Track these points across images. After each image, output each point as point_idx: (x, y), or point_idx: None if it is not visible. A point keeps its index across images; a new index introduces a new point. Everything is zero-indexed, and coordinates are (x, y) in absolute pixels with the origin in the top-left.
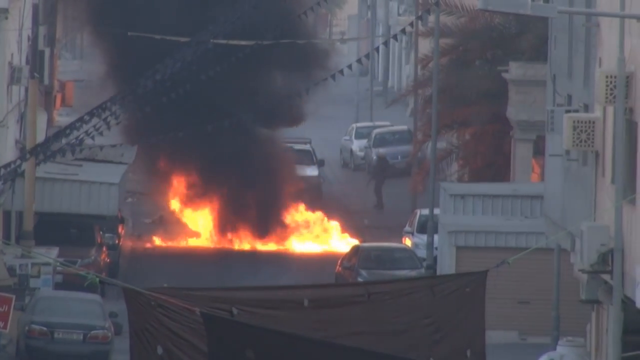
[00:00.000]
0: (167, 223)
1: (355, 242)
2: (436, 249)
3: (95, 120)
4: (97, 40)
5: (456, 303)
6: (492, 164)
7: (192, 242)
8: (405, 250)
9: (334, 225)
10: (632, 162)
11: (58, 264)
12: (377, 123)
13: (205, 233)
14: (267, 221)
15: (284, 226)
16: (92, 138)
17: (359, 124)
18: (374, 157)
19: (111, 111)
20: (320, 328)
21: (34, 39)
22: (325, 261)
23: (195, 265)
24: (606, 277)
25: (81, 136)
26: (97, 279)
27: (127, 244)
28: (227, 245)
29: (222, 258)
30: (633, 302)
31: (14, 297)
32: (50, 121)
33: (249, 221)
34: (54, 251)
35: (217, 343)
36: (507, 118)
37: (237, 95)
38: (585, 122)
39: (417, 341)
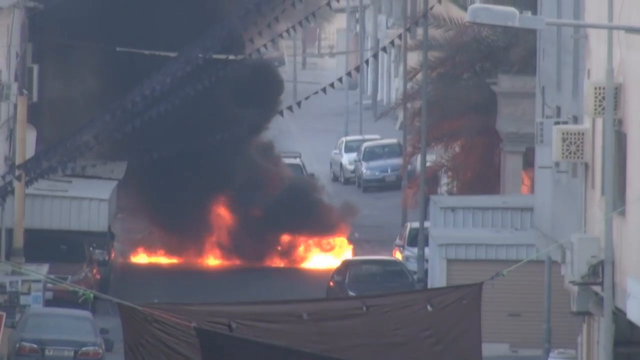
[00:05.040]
0: (158, 239)
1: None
2: (427, 261)
3: (83, 137)
4: (82, 56)
5: (454, 315)
6: (482, 176)
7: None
8: (396, 263)
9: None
10: (622, 174)
11: (49, 280)
12: (367, 136)
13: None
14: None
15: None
16: (82, 154)
17: (348, 138)
18: None
19: (99, 129)
20: (321, 341)
21: (22, 56)
22: (316, 276)
23: (186, 281)
24: (597, 288)
25: (72, 154)
26: (92, 295)
27: (117, 259)
28: (217, 261)
29: (213, 273)
30: (624, 314)
31: (4, 314)
32: (40, 138)
33: (239, 236)
34: (45, 268)
35: (212, 358)
36: (497, 130)
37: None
38: (575, 134)
39: (419, 354)
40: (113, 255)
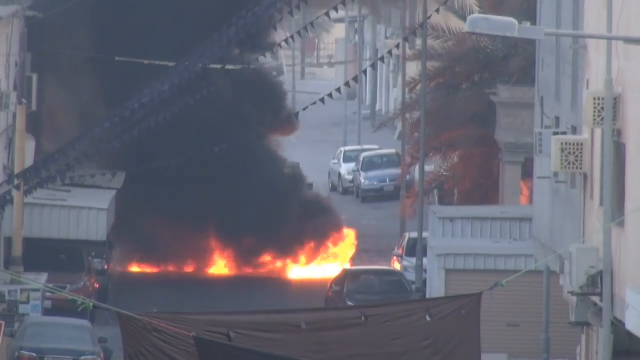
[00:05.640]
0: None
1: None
2: (425, 271)
3: (82, 147)
4: (82, 65)
5: (453, 325)
6: (481, 186)
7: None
8: (395, 273)
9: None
10: (621, 184)
11: (48, 289)
12: (365, 146)
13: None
14: (259, 245)
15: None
16: (81, 163)
17: (347, 148)
18: None
19: (99, 137)
20: (320, 350)
21: (21, 65)
22: (315, 286)
23: (185, 290)
24: (595, 299)
25: (71, 163)
26: (91, 304)
27: (115, 269)
28: (217, 270)
29: (212, 283)
30: (623, 324)
31: (3, 323)
32: (39, 147)
33: (239, 245)
34: (43, 277)
35: None
36: (496, 140)
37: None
38: (574, 144)
39: None
40: (111, 264)
